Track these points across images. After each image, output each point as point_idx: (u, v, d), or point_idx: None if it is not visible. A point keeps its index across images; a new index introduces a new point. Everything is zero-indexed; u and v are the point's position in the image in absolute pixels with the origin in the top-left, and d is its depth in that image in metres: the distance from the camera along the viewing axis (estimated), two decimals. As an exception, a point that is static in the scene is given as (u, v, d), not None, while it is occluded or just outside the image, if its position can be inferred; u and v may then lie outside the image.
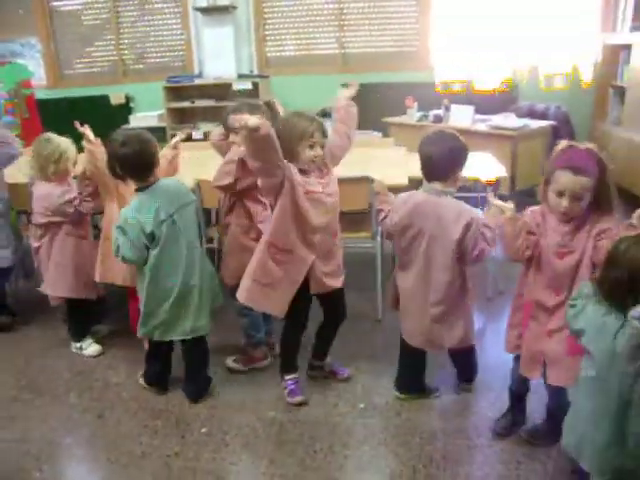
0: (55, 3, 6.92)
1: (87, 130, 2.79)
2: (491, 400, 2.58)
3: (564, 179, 1.92)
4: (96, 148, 2.77)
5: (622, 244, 1.63)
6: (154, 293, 2.52)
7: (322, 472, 2.24)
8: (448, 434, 2.41)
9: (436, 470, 2.22)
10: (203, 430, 2.50)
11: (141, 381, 2.82)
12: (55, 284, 3.05)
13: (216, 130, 2.81)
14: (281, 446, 2.39)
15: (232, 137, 2.63)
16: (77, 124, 2.79)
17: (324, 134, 2.37)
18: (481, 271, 2.87)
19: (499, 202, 2.14)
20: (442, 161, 2.27)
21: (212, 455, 2.35)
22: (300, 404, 2.62)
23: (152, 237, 2.44)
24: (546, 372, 2.12)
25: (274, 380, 2.76)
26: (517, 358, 2.26)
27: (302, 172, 2.35)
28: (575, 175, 1.89)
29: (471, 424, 2.47)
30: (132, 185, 2.55)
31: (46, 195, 2.94)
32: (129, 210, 2.46)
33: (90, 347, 3.14)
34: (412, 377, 2.63)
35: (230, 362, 2.92)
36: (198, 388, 2.72)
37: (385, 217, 2.46)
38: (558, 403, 2.16)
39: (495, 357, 2.72)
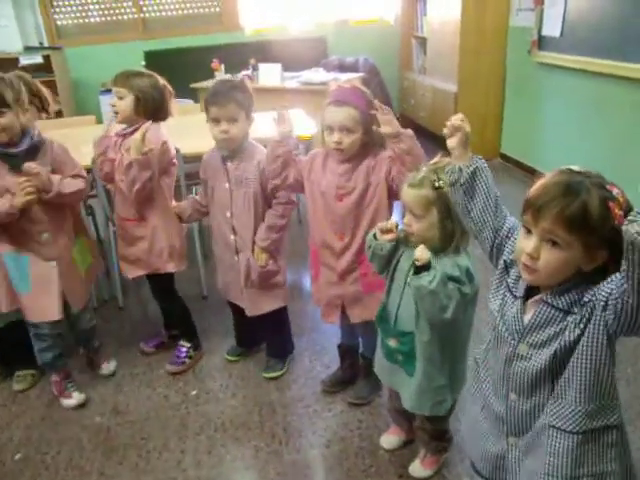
0: None
1: None
2: (326, 362, 2.55)
3: (329, 114, 1.92)
4: None
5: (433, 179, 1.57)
6: None
7: (158, 473, 2.06)
8: (286, 406, 2.34)
9: (279, 446, 2.14)
10: (17, 457, 2.18)
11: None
12: None
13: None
14: (111, 454, 2.16)
15: None
16: None
17: None
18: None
19: None
20: None
21: (31, 483, 2.07)
22: None
23: None
24: (347, 313, 2.13)
25: (96, 381, 2.54)
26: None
27: None
28: (338, 107, 1.90)
29: (308, 390, 2.41)
30: None
31: None
32: None
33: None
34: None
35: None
36: None
37: None
38: (369, 346, 2.18)
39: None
